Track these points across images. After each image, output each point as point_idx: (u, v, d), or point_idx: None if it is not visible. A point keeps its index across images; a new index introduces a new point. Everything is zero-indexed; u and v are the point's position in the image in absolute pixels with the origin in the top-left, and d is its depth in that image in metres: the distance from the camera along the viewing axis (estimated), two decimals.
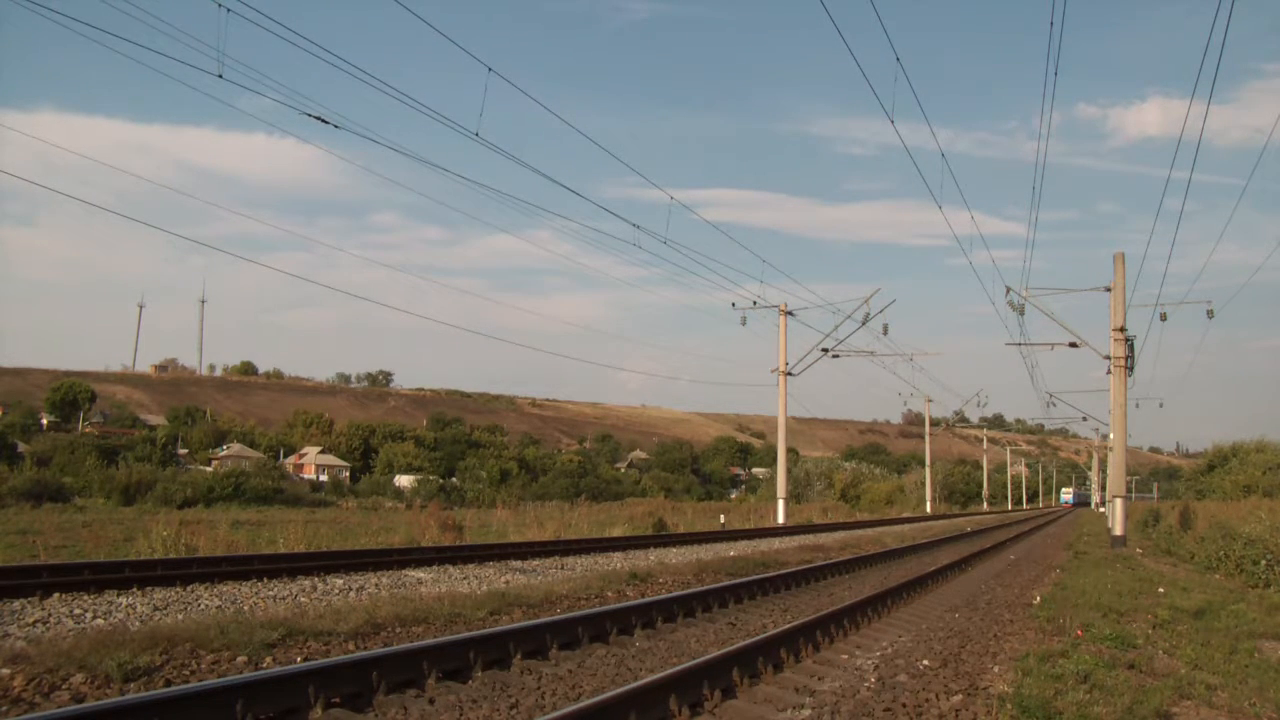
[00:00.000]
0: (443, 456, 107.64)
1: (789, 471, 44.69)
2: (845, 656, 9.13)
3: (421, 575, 13.82)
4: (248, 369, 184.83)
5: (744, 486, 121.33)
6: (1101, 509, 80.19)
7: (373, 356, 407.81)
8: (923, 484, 79.02)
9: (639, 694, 6.23)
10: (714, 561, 17.35)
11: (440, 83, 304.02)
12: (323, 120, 16.57)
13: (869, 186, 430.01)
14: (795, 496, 64.06)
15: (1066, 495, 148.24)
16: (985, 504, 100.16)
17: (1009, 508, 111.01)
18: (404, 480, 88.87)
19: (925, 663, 8.66)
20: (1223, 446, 63.48)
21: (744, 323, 38.52)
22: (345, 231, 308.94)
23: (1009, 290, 30.38)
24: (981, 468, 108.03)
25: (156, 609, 9.71)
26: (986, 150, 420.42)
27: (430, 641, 7.76)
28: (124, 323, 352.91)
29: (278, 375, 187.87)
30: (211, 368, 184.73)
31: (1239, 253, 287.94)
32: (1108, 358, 29.29)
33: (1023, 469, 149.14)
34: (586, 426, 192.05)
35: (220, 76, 14.52)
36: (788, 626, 9.33)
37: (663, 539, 24.18)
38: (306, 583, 12.30)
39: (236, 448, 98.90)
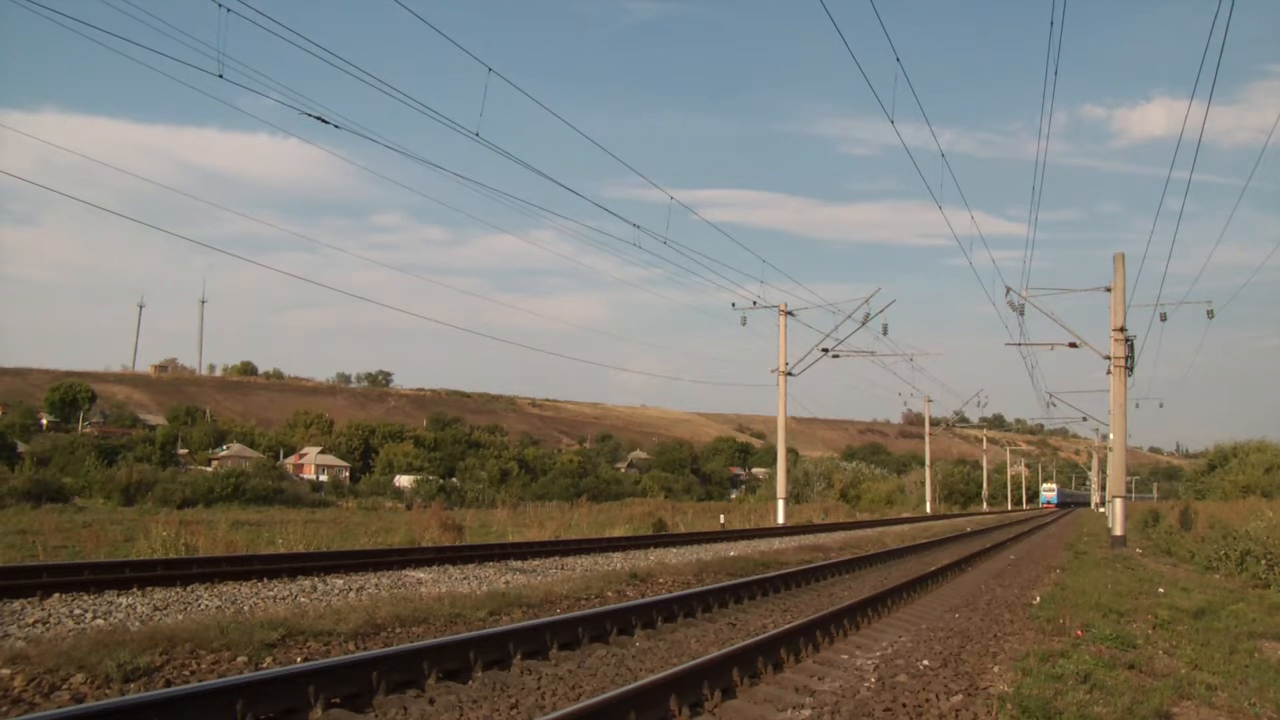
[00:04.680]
0: (443, 456, 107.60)
1: (789, 472, 44.68)
2: (845, 656, 9.13)
3: (421, 575, 13.82)
4: (248, 369, 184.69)
5: (744, 486, 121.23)
6: (1101, 509, 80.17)
7: (373, 356, 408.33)
8: (923, 484, 79.04)
9: (639, 694, 6.23)
10: (714, 561, 17.35)
11: (440, 83, 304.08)
12: (323, 120, 16.57)
13: (870, 187, 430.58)
14: (795, 497, 64.06)
15: (1048, 494, 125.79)
16: (985, 504, 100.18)
17: (1009, 508, 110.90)
18: (404, 480, 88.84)
19: (925, 663, 8.66)
20: (1223, 447, 63.63)
21: (744, 323, 38.58)
22: (348, 232, 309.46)
23: (1009, 290, 30.41)
24: (981, 468, 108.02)
25: (156, 609, 9.71)
26: (989, 150, 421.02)
27: (430, 641, 7.75)
28: (124, 323, 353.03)
29: (278, 375, 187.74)
30: (211, 368, 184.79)
31: (1239, 253, 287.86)
32: (1108, 358, 29.29)
33: (1023, 469, 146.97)
34: (586, 426, 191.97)
35: (220, 76, 14.54)
36: (788, 626, 9.33)
37: (663, 539, 24.17)
38: (306, 583, 12.30)
39: (236, 448, 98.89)
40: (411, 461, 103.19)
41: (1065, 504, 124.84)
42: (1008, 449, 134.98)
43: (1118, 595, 13.99)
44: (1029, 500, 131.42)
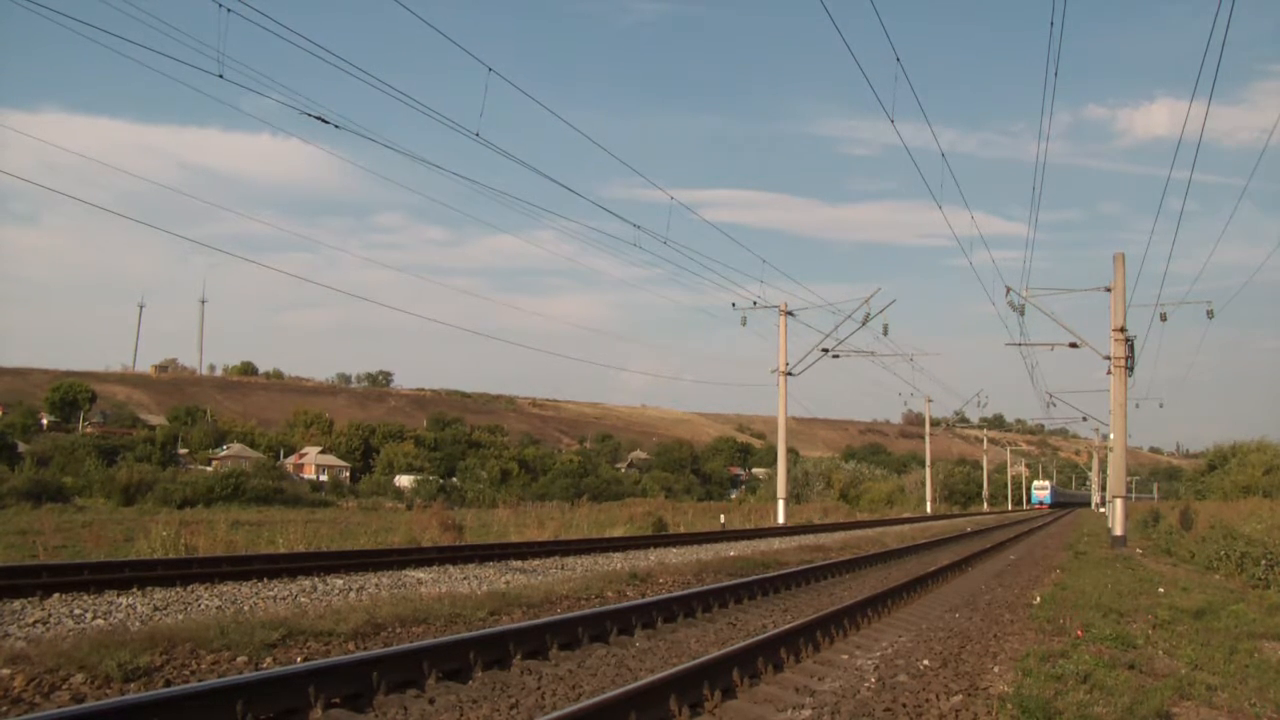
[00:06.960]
0: (443, 456, 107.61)
1: (789, 472, 44.69)
2: (845, 656, 9.13)
3: (421, 575, 13.82)
4: (248, 369, 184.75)
5: (744, 486, 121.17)
6: (1101, 509, 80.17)
7: (373, 356, 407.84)
8: (923, 484, 79.05)
9: (639, 694, 6.23)
10: (714, 561, 17.35)
11: (440, 83, 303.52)
12: (324, 120, 16.59)
13: (872, 187, 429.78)
14: (795, 497, 64.06)
15: (1040, 493, 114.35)
16: (985, 504, 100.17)
17: (1009, 508, 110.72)
18: (404, 480, 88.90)
19: (925, 663, 8.66)
20: (1223, 447, 63.82)
21: (744, 323, 38.58)
22: (349, 232, 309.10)
23: (1009, 290, 30.39)
24: (981, 468, 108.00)
25: (156, 609, 9.71)
26: (992, 151, 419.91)
27: (430, 641, 7.76)
28: (124, 323, 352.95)
29: (278, 375, 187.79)
30: (211, 368, 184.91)
31: (1240, 253, 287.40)
32: (1108, 358, 29.29)
33: (1023, 469, 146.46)
34: (587, 426, 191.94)
35: (221, 76, 14.54)
36: (788, 626, 9.33)
37: (663, 539, 24.18)
38: (306, 583, 12.30)
39: (236, 448, 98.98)
40: (412, 461, 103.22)
41: (1061, 504, 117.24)
42: (1008, 449, 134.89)
43: (1118, 595, 13.99)
44: (1027, 500, 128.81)
